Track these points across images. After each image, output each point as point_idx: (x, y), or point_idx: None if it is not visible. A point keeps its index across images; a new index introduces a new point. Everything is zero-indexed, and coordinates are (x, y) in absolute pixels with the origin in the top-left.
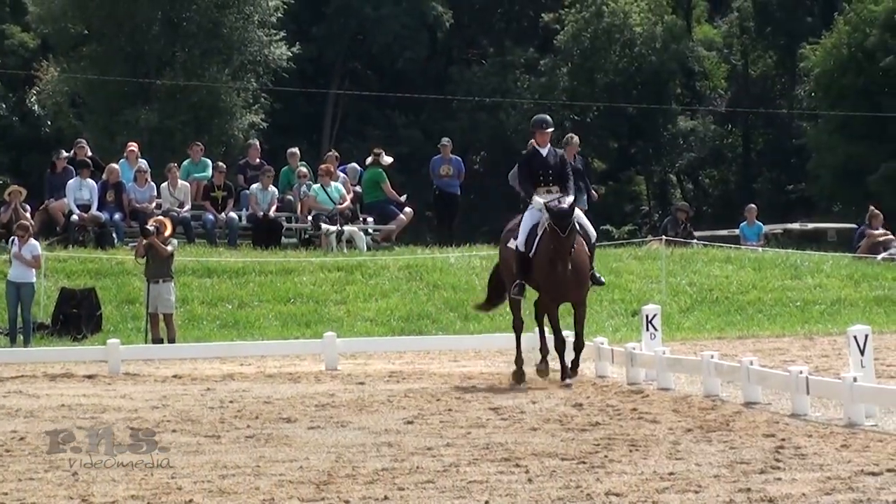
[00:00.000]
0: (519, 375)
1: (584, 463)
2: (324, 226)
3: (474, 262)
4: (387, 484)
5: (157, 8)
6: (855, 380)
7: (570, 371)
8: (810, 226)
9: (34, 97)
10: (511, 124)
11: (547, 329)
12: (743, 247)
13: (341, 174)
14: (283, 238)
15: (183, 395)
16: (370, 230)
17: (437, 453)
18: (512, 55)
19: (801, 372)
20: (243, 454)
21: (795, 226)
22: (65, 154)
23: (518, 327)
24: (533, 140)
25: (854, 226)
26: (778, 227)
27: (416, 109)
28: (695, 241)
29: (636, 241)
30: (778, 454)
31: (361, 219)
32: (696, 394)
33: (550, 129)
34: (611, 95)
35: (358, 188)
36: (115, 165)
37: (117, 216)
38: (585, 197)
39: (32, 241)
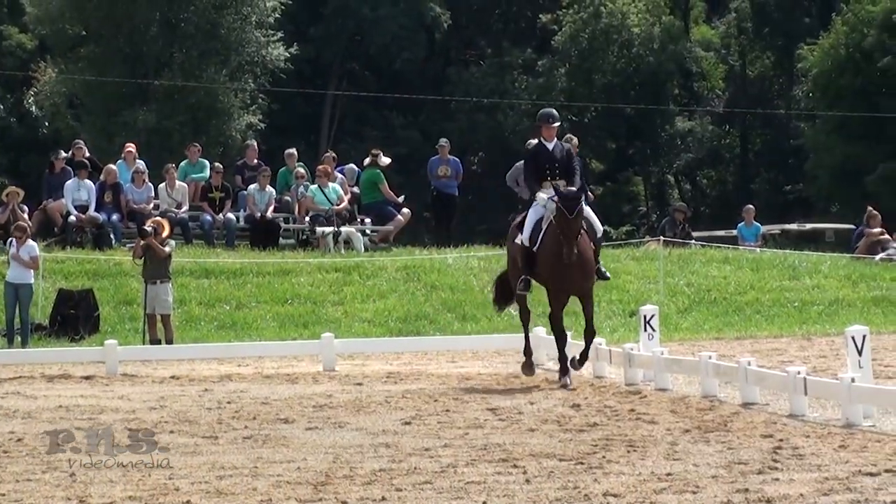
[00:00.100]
0: (529, 367)
1: (581, 464)
2: (319, 229)
3: (472, 262)
4: (384, 485)
5: (154, 9)
6: (853, 380)
7: (576, 363)
8: (808, 226)
9: (32, 98)
10: (509, 125)
11: (545, 331)
12: (741, 247)
13: (339, 175)
14: (280, 239)
15: (181, 396)
16: (368, 231)
17: (434, 454)
18: (510, 56)
19: (798, 372)
20: (241, 455)
21: (793, 226)
22: (63, 154)
23: (525, 319)
24: (537, 138)
25: (852, 226)
26: (776, 228)
27: (413, 110)
28: (693, 241)
29: (634, 241)
30: (776, 455)
31: (359, 219)
32: (694, 394)
33: (557, 124)
34: (608, 96)
35: (356, 189)
36: (112, 166)
37: (115, 217)
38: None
39: (30, 242)
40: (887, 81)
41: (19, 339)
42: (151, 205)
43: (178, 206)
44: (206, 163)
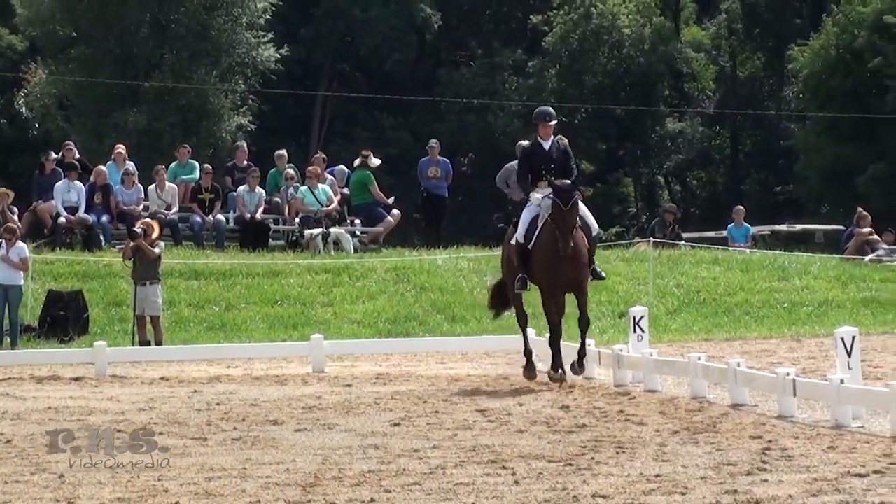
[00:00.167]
0: (531, 370)
1: (570, 465)
2: (307, 231)
3: (462, 264)
4: (373, 486)
5: (145, 10)
6: (842, 381)
7: (576, 368)
8: (798, 227)
9: (22, 99)
10: (499, 126)
11: (534, 332)
12: (730, 248)
13: (329, 176)
14: (270, 240)
15: (170, 398)
16: (357, 232)
17: (423, 455)
18: (500, 57)
19: (788, 374)
20: (230, 456)
21: (783, 227)
22: (54, 156)
23: (523, 323)
24: (532, 137)
25: (842, 227)
26: (766, 229)
27: (404, 111)
28: (682, 242)
29: (624, 242)
30: (765, 456)
31: (349, 221)
32: (683, 396)
33: (554, 122)
34: (599, 97)
35: (346, 190)
36: (102, 168)
37: (105, 218)
38: None
39: (20, 243)
40: (878, 82)
41: (8, 340)
42: (141, 206)
43: (168, 208)
44: (196, 164)
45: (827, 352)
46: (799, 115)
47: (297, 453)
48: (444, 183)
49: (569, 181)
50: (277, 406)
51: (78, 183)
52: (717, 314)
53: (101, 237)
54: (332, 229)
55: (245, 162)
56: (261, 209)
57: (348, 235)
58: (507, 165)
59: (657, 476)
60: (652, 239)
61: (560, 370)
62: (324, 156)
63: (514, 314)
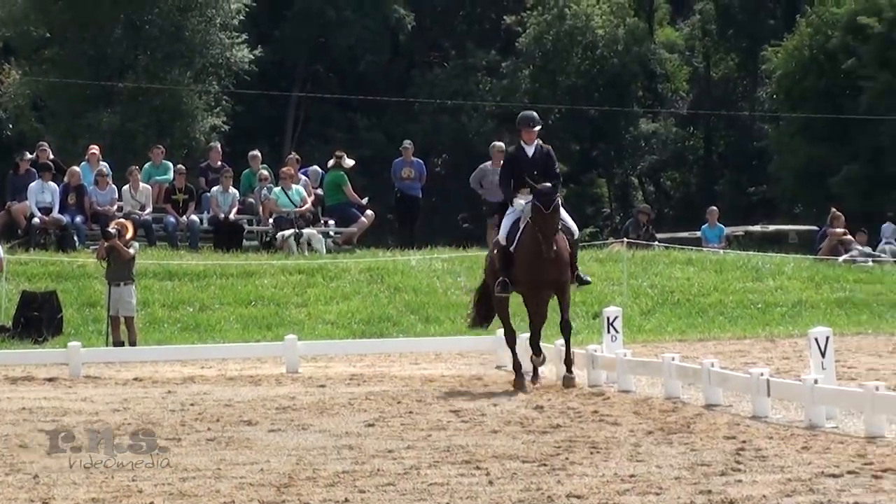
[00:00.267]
0: (521, 381)
1: (545, 465)
2: (279, 233)
3: (436, 264)
4: (347, 486)
5: (119, 11)
6: (816, 382)
7: (566, 378)
8: (772, 228)
9: None
10: (473, 127)
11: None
12: (704, 249)
13: (303, 177)
14: (244, 241)
15: (144, 398)
16: (331, 233)
17: (397, 456)
18: (474, 58)
19: (762, 374)
20: (204, 457)
21: (757, 228)
22: (28, 156)
23: (511, 342)
24: (516, 143)
25: (815, 228)
26: (739, 230)
27: (377, 112)
28: (656, 243)
29: (598, 243)
30: (739, 456)
31: (323, 221)
32: (657, 396)
33: (538, 127)
34: (573, 98)
35: (319, 191)
36: (76, 168)
37: (79, 219)
38: None
39: None
40: (851, 83)
41: None
42: (115, 207)
43: (142, 208)
44: (170, 165)
45: (801, 352)
46: (772, 115)
47: (271, 454)
48: (418, 184)
49: (549, 184)
50: (251, 406)
51: (52, 184)
52: (690, 315)
53: (75, 238)
54: (305, 230)
55: (219, 163)
56: (235, 210)
57: (319, 236)
58: (481, 166)
59: (631, 476)
60: (626, 239)
61: (541, 355)
62: (297, 156)
63: (503, 331)
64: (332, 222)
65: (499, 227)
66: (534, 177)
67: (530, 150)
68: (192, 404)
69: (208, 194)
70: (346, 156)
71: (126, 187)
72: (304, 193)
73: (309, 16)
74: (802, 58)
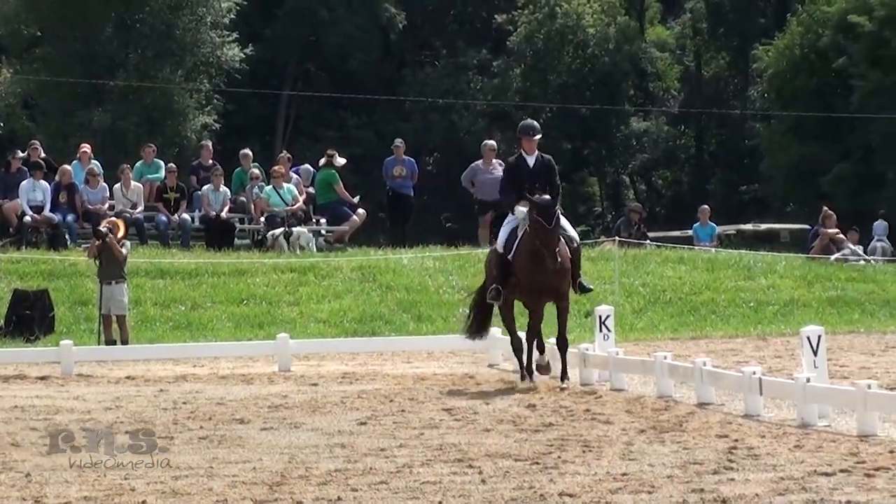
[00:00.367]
0: (527, 383)
1: (537, 464)
2: (270, 232)
3: (427, 263)
4: (340, 485)
5: (109, 10)
6: (808, 380)
7: (562, 381)
8: (763, 226)
9: None
10: (464, 125)
11: (501, 331)
12: (696, 248)
13: (294, 175)
14: (236, 239)
15: (136, 397)
16: (323, 231)
17: (390, 454)
18: (465, 56)
19: (754, 372)
20: (196, 455)
21: (748, 226)
22: (20, 154)
23: (518, 348)
24: (516, 153)
25: (807, 226)
26: (731, 228)
27: (369, 111)
28: (648, 242)
29: (589, 242)
30: (731, 455)
31: (314, 220)
32: (650, 394)
33: (538, 136)
34: (564, 97)
35: (311, 189)
36: (67, 167)
37: (70, 217)
38: None
39: None
40: (842, 82)
41: None
42: (106, 205)
43: (133, 207)
44: (161, 163)
45: (793, 351)
46: (764, 114)
47: (263, 452)
48: (410, 182)
49: (549, 197)
50: (244, 405)
51: (43, 182)
52: (682, 313)
53: (67, 236)
54: (295, 228)
55: (210, 161)
56: (226, 208)
57: (309, 234)
58: (473, 165)
59: (624, 475)
60: (617, 238)
61: (546, 360)
62: (289, 155)
63: (510, 342)
64: (323, 221)
65: (492, 226)
66: (535, 187)
67: (531, 161)
68: (184, 403)
69: (200, 193)
70: (337, 154)
71: (117, 186)
72: (296, 192)
73: (300, 14)
74: (793, 56)
